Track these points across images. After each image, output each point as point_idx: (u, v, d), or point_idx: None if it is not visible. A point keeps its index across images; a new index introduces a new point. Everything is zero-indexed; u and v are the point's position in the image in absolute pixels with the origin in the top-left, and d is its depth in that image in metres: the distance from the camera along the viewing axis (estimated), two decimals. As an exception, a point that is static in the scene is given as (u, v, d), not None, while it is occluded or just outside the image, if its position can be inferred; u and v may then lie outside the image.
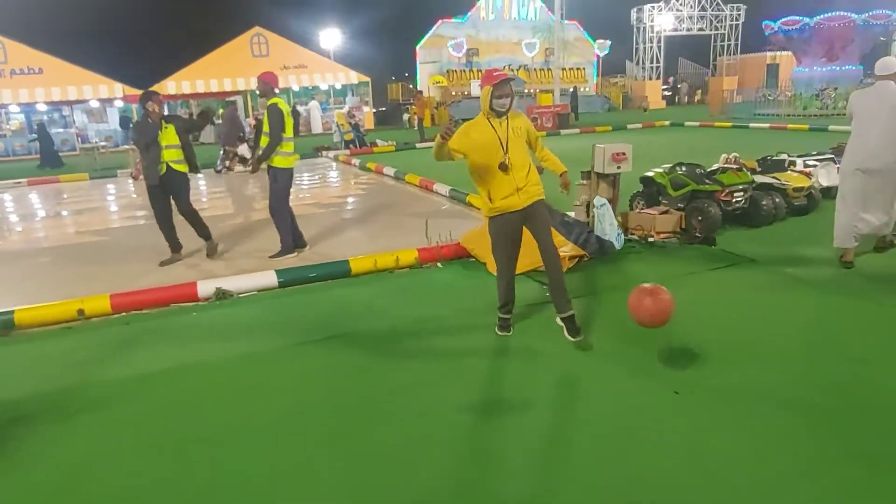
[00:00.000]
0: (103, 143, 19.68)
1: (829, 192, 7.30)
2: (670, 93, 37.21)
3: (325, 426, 3.14)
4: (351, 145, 18.17)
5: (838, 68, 20.95)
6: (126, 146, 18.94)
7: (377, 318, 4.59)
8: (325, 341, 4.20)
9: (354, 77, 30.19)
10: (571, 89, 26.41)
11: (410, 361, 3.86)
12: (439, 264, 5.81)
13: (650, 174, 6.85)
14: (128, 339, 4.40)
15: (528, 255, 5.48)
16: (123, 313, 4.85)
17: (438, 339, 4.22)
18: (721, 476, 2.56)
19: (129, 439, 3.10)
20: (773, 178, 6.64)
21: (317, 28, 34.96)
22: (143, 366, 3.93)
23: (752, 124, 17.55)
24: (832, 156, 7.34)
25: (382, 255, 5.77)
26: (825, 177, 7.03)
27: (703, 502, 2.42)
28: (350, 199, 10.58)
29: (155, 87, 26.80)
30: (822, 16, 20.62)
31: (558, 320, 3.99)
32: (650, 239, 6.07)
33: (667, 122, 21.23)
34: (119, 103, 26.23)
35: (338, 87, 30.44)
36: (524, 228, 3.93)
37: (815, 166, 7.08)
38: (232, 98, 27.47)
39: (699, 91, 35.64)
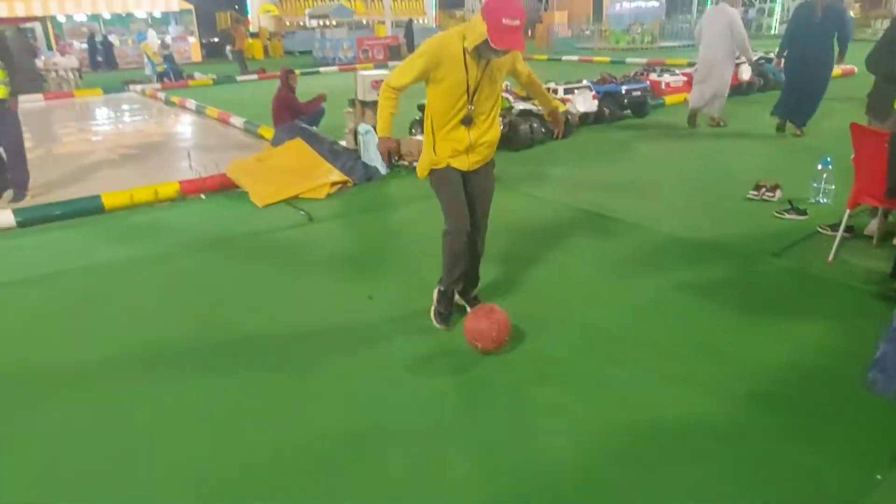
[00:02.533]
0: None
1: (588, 118, 8.11)
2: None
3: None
4: (165, 78, 16.85)
5: (644, 4, 22.63)
6: None
7: (112, 251, 4.51)
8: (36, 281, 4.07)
9: (175, 4, 27.57)
10: (407, 20, 26.12)
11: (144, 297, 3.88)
12: (202, 196, 5.74)
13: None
14: None
15: (291, 184, 5.62)
16: None
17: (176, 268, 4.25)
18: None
19: None
20: (533, 104, 7.20)
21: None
22: None
23: (564, 57, 18.63)
24: (588, 84, 8.07)
25: (140, 188, 5.57)
26: (582, 103, 7.75)
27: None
28: (139, 135, 9.77)
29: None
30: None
31: (461, 300, 3.32)
32: (415, 163, 6.38)
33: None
34: None
35: (157, 14, 27.72)
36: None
37: (572, 93, 7.76)
38: (28, 25, 24.09)
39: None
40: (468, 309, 3.24)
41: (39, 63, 16.62)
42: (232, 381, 2.80)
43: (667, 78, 9.94)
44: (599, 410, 2.47)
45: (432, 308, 3.20)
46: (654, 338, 3.03)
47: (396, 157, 3.22)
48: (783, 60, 7.30)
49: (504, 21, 2.54)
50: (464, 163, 2.96)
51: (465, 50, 2.69)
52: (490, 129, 2.95)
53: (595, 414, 2.46)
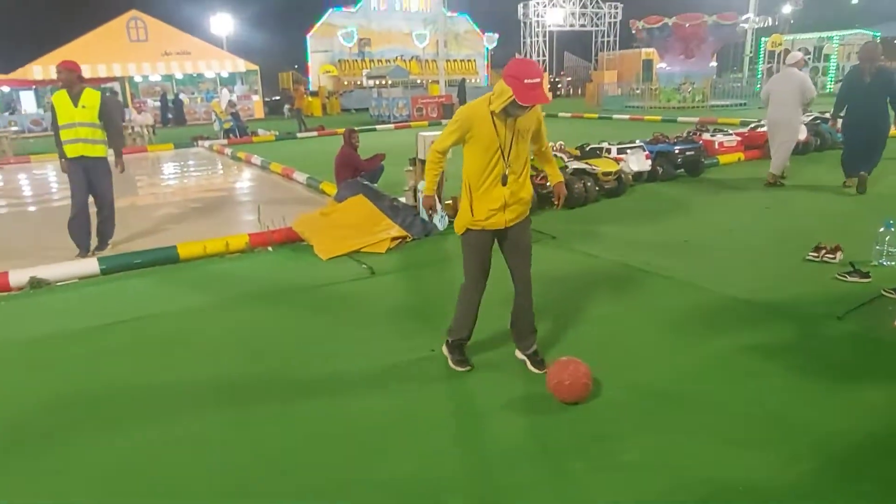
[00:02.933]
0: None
1: (641, 177, 8.20)
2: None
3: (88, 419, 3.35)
4: (231, 134, 17.87)
5: (696, 67, 22.87)
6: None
7: (187, 298, 4.80)
8: (114, 326, 4.36)
9: (242, 65, 29.44)
10: (460, 80, 27.10)
11: (206, 340, 4.13)
12: (270, 248, 6.05)
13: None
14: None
15: (354, 238, 5.89)
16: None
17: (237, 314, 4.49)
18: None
19: None
20: (586, 163, 7.36)
21: (204, 14, 33.80)
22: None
23: (615, 115, 18.90)
24: (641, 144, 8.20)
25: (212, 240, 5.93)
26: (635, 162, 7.87)
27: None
28: (208, 188, 10.41)
29: (19, 72, 24.98)
30: (677, 15, 22.45)
31: (520, 355, 3.48)
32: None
33: (543, 113, 22.36)
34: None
35: (224, 75, 29.62)
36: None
37: (626, 153, 7.90)
38: (109, 85, 26.10)
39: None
40: (528, 364, 3.39)
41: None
42: (295, 419, 2.96)
43: (720, 138, 9.98)
44: (657, 475, 2.48)
45: (448, 360, 3.46)
46: (714, 400, 3.03)
47: (450, 214, 3.49)
48: (839, 121, 7.36)
49: (526, 81, 2.92)
50: (500, 220, 3.21)
51: (492, 113, 3.06)
52: (523, 188, 3.23)
53: (652, 478, 2.46)
